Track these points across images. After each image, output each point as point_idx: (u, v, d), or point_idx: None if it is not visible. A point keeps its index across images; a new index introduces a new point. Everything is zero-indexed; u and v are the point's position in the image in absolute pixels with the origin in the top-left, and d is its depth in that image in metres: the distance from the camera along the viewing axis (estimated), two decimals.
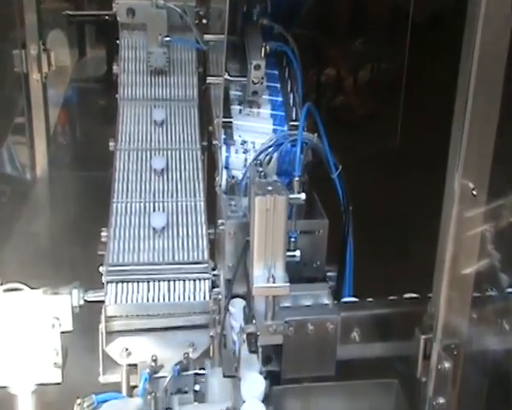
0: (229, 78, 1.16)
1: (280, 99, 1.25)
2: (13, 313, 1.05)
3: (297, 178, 0.95)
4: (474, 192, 0.74)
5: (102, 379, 1.07)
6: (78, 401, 0.89)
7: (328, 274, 1.08)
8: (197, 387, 0.96)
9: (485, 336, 0.88)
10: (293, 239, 0.95)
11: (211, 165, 1.31)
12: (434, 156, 0.99)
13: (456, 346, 0.80)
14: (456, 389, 0.80)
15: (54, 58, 1.86)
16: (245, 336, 0.88)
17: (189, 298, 1.08)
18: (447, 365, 0.78)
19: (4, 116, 2.01)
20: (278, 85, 1.27)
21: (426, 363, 0.83)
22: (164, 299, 1.08)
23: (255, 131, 1.15)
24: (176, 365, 0.95)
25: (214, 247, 1.17)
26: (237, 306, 1.02)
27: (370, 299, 0.96)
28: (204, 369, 0.98)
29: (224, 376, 0.89)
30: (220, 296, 1.07)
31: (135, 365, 1.05)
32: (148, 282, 1.09)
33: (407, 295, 0.98)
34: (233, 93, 1.24)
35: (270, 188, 0.89)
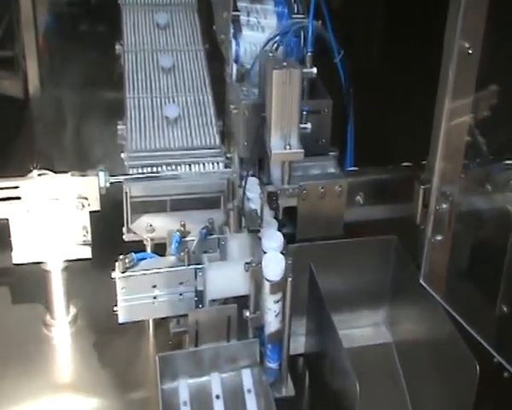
0: None
1: None
2: (45, 195, 1.14)
3: (309, 54, 1.05)
4: (470, 51, 0.86)
5: (127, 237, 1.16)
6: (121, 256, 1.00)
7: (331, 154, 1.20)
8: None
9: (474, 195, 1.01)
10: (304, 113, 1.06)
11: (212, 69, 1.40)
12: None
13: (452, 192, 0.93)
14: (451, 229, 0.94)
15: None
16: (266, 195, 1.00)
17: (206, 179, 1.19)
18: (444, 206, 0.91)
19: None
20: None
21: (424, 211, 0.97)
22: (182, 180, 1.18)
23: (262, 24, 1.23)
24: (202, 228, 1.06)
25: (224, 136, 1.28)
26: (252, 182, 1.13)
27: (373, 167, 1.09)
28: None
29: (249, 231, 1.01)
30: (234, 175, 1.18)
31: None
32: (167, 166, 1.19)
33: (404, 164, 1.11)
34: None
35: (285, 63, 0.99)
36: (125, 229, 1.17)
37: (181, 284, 1.01)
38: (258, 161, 1.13)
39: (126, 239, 1.17)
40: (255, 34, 1.18)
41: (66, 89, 2.06)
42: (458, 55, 0.85)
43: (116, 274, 0.99)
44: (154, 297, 1.01)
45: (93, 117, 1.64)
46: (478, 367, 0.85)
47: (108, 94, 1.65)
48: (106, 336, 1.20)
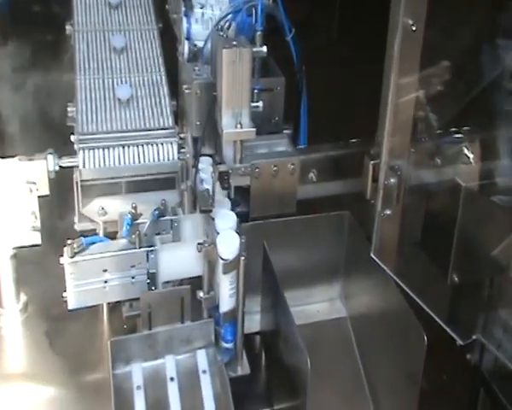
0: None
1: None
2: None
3: (259, 32, 1.04)
4: (414, 28, 0.86)
5: (78, 227, 1.14)
6: (69, 241, 0.97)
7: (285, 132, 1.19)
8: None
9: (424, 168, 1.03)
10: (256, 91, 1.05)
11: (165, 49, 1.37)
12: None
13: (400, 167, 0.94)
14: (399, 203, 0.95)
15: None
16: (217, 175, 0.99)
17: (159, 160, 1.17)
18: (393, 180, 0.92)
19: None
20: None
21: (374, 185, 0.97)
22: (135, 162, 1.16)
23: (213, 3, 1.22)
24: (155, 210, 1.05)
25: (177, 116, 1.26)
26: (205, 162, 1.12)
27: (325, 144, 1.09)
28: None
29: (201, 211, 1.00)
30: (188, 156, 1.16)
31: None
32: (119, 147, 1.16)
33: (354, 140, 1.12)
34: None
35: (235, 42, 0.97)
36: (76, 218, 1.14)
37: (133, 267, 1.00)
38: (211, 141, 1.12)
39: (78, 229, 1.14)
40: (207, 13, 1.17)
41: (18, 71, 2.01)
42: (402, 32, 0.86)
43: (64, 260, 0.97)
44: (105, 281, 0.99)
45: (45, 99, 1.60)
46: (426, 338, 0.87)
47: (61, 76, 1.60)
48: (58, 322, 1.18)
